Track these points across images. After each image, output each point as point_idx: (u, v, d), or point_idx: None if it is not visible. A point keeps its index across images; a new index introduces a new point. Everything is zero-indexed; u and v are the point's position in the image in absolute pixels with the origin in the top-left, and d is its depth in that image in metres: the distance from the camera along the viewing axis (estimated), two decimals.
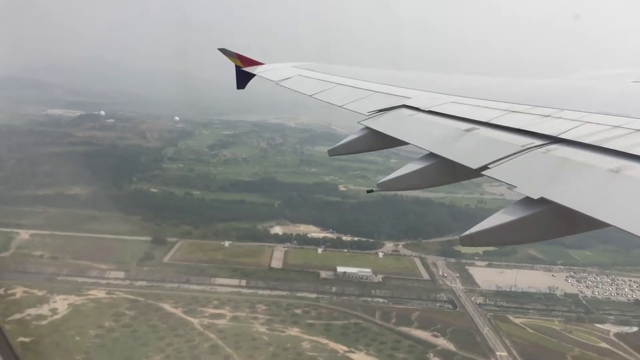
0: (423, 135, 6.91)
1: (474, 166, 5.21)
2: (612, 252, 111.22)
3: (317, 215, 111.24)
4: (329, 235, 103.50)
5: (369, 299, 79.30)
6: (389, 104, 8.30)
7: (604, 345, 72.00)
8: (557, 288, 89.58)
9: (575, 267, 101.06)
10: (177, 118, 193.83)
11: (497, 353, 66.59)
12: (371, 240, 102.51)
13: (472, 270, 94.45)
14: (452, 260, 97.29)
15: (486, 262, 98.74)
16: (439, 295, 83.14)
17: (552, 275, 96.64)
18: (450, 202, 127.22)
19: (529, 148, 5.18)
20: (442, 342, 68.26)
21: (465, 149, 5.90)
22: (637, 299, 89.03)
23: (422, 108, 7.65)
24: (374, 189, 6.23)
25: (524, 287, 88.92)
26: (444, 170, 5.87)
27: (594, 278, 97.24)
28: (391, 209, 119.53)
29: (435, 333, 69.96)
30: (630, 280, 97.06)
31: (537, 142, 5.26)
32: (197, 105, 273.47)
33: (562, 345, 71.29)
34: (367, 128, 7.74)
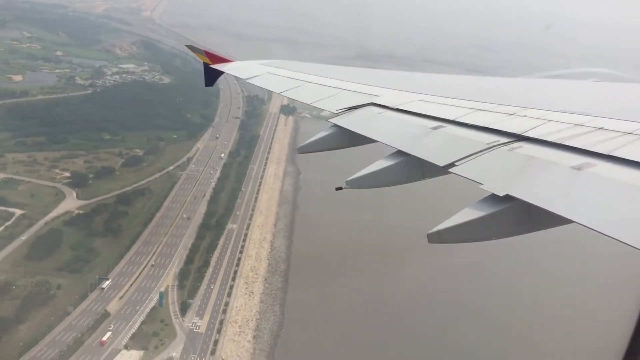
0: (391, 133, 6.97)
1: (441, 163, 5.28)
2: None
3: None
4: None
5: None
6: (358, 101, 8.32)
7: None
8: None
9: None
10: None
11: None
12: None
13: None
14: None
15: None
16: None
17: None
18: None
19: (495, 146, 5.28)
20: None
21: (432, 147, 6.01)
22: None
23: (390, 106, 7.76)
24: (343, 187, 6.05)
25: None
26: (412, 168, 5.91)
27: None
28: None
29: None
30: None
31: (503, 139, 5.37)
32: None
33: None
34: (335, 125, 7.67)
